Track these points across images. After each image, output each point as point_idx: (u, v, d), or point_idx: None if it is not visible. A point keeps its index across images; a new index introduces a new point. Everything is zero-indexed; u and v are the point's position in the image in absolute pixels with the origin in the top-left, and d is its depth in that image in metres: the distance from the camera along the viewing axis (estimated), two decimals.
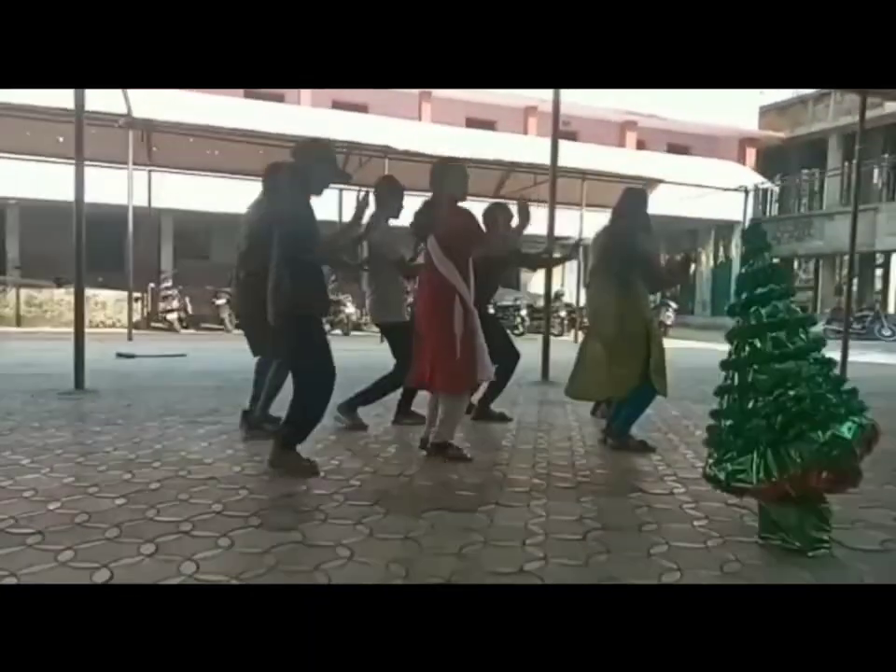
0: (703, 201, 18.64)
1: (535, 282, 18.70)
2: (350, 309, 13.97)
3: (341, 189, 11.91)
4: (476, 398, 4.65)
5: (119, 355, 8.50)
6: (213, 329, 14.08)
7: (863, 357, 10.51)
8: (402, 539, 2.48)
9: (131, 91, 12.01)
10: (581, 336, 9.22)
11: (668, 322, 16.08)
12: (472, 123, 19.67)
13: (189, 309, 14.52)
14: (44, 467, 3.25)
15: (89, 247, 5.77)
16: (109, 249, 13.55)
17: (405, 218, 4.19)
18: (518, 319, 15.21)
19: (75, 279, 5.97)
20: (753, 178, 20.66)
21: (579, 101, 16.36)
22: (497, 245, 4.25)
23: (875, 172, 20.81)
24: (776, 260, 2.60)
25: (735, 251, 20.86)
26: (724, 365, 2.52)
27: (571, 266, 16.77)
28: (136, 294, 13.19)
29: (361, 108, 18.59)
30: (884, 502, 3.04)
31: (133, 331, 11.78)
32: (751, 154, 22.82)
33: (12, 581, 2.02)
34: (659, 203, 8.14)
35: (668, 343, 4.40)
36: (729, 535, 2.59)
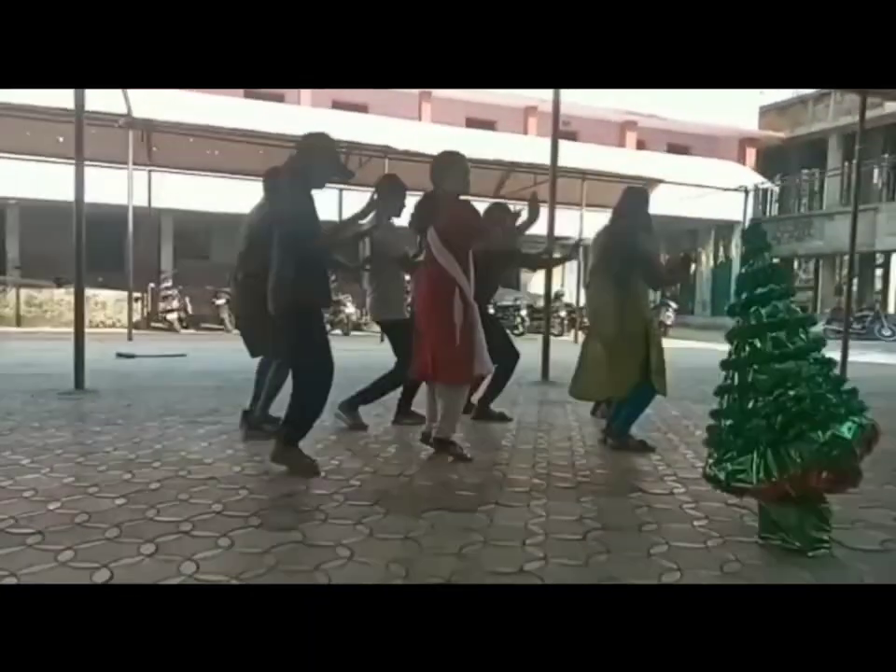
0: (703, 201, 18.66)
1: (535, 282, 18.71)
2: (350, 309, 13.99)
3: (341, 189, 11.93)
4: (476, 397, 4.66)
5: (119, 355, 8.50)
6: (213, 329, 14.07)
7: (863, 357, 10.51)
8: (402, 539, 2.47)
9: (131, 91, 12.01)
10: (581, 336, 9.24)
11: (668, 322, 16.10)
12: (472, 123, 19.68)
13: (189, 309, 14.54)
14: (44, 467, 3.25)
15: (89, 247, 5.77)
16: (109, 249, 13.55)
17: (406, 218, 4.18)
18: (518, 319, 15.22)
19: (75, 279, 5.97)
20: (753, 178, 20.68)
21: (579, 101, 16.37)
22: (497, 239, 4.22)
23: (875, 172, 20.83)
24: (776, 260, 2.60)
25: (735, 251, 20.87)
26: (724, 365, 2.52)
27: (571, 266, 16.80)
28: (136, 294, 13.20)
29: (361, 108, 18.59)
30: (884, 502, 3.04)
31: (133, 331, 11.78)
32: (751, 154, 22.84)
33: (12, 580, 2.02)
34: (659, 203, 8.14)
35: (668, 343, 4.40)
36: (729, 535, 2.59)
